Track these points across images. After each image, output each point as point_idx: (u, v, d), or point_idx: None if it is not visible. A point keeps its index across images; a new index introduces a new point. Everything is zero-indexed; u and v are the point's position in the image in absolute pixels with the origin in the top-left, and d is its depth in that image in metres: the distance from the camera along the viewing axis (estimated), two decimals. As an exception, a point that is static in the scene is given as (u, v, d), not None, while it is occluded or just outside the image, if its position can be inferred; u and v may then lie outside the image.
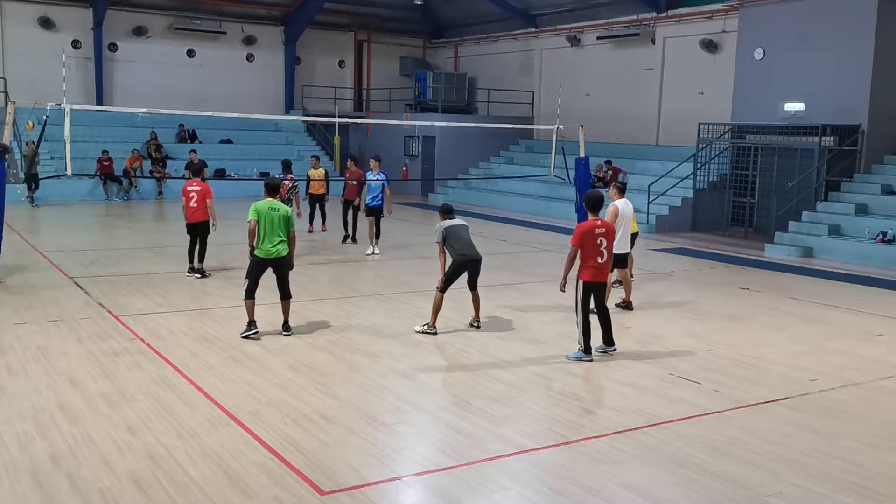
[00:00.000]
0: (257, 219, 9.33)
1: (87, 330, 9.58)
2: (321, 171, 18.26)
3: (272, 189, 9.61)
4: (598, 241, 8.73)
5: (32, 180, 21.04)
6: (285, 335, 9.51)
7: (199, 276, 12.85)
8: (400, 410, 7.25)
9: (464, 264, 9.85)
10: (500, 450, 6.36)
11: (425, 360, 8.85)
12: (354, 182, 16.67)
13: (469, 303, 10.21)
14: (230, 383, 7.79)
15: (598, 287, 8.92)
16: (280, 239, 9.36)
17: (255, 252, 9.38)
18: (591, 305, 8.96)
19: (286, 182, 14.54)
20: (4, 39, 26.24)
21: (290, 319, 9.64)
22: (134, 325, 9.85)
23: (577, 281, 8.82)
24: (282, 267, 9.47)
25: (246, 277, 9.51)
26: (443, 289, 9.79)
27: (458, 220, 10.03)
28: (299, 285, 12.44)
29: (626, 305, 11.46)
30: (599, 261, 8.76)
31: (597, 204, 8.96)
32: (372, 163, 15.73)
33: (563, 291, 9.05)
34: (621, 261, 11.22)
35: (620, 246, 11.11)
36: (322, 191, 18.14)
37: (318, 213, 18.42)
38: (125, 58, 28.19)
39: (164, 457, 6.02)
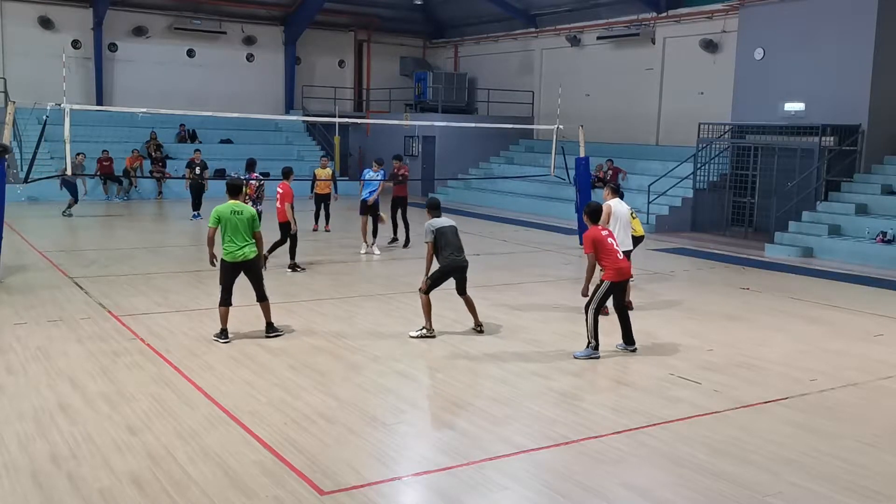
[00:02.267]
0: (218, 225, 9.15)
1: (87, 330, 9.58)
2: (328, 171, 18.41)
3: (234, 190, 9.40)
4: (610, 243, 9.04)
5: (70, 190, 20.73)
6: (268, 336, 9.36)
7: (290, 270, 13.60)
8: (400, 410, 7.25)
9: (451, 271, 9.59)
10: (500, 450, 6.36)
11: (425, 360, 8.85)
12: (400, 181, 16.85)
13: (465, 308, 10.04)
14: (230, 383, 7.79)
15: (622, 285, 9.13)
16: (245, 242, 9.13)
17: (223, 256, 9.15)
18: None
19: (252, 182, 14.50)
20: (4, 39, 26.25)
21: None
22: (134, 325, 9.85)
23: (602, 281, 8.93)
24: (251, 269, 9.25)
25: (219, 284, 9.23)
26: (427, 291, 9.55)
27: (446, 220, 9.73)
28: (299, 285, 12.49)
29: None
30: (619, 258, 9.01)
31: (596, 214, 9.35)
32: (374, 166, 16.00)
33: (586, 296, 9.08)
34: None
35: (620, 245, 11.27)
36: (328, 190, 18.29)
37: (322, 213, 18.53)
38: (125, 58, 28.19)
39: (164, 457, 6.02)
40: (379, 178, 15.71)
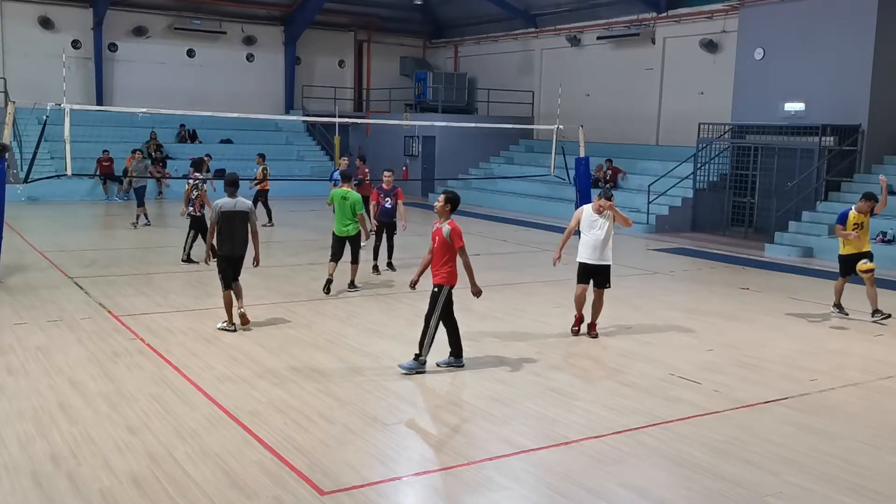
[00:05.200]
0: (331, 202, 11.94)
1: (87, 330, 9.58)
2: (259, 170, 19.41)
3: (345, 177, 12.20)
4: None
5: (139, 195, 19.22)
6: (349, 289, 11.99)
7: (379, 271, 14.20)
8: (400, 410, 7.25)
9: (230, 261, 9.54)
10: (500, 450, 6.36)
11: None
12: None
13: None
14: (230, 383, 7.79)
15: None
16: (349, 221, 11.70)
17: (334, 230, 11.86)
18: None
19: (189, 181, 14.37)
20: (4, 39, 26.26)
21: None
22: (134, 325, 9.85)
23: (444, 286, 8.22)
24: (351, 242, 11.89)
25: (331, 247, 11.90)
26: (227, 286, 9.57)
27: (238, 201, 9.42)
28: (299, 285, 12.49)
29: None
30: None
31: (457, 202, 8.38)
32: (343, 162, 16.35)
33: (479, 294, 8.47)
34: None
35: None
36: (267, 187, 19.44)
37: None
38: (125, 58, 28.21)
39: (164, 457, 6.02)
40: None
